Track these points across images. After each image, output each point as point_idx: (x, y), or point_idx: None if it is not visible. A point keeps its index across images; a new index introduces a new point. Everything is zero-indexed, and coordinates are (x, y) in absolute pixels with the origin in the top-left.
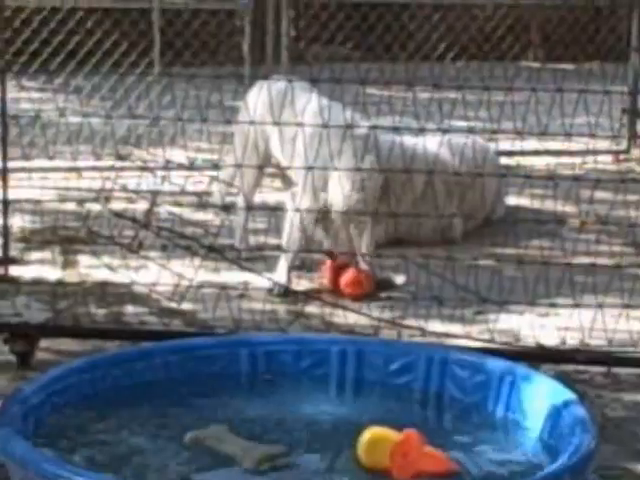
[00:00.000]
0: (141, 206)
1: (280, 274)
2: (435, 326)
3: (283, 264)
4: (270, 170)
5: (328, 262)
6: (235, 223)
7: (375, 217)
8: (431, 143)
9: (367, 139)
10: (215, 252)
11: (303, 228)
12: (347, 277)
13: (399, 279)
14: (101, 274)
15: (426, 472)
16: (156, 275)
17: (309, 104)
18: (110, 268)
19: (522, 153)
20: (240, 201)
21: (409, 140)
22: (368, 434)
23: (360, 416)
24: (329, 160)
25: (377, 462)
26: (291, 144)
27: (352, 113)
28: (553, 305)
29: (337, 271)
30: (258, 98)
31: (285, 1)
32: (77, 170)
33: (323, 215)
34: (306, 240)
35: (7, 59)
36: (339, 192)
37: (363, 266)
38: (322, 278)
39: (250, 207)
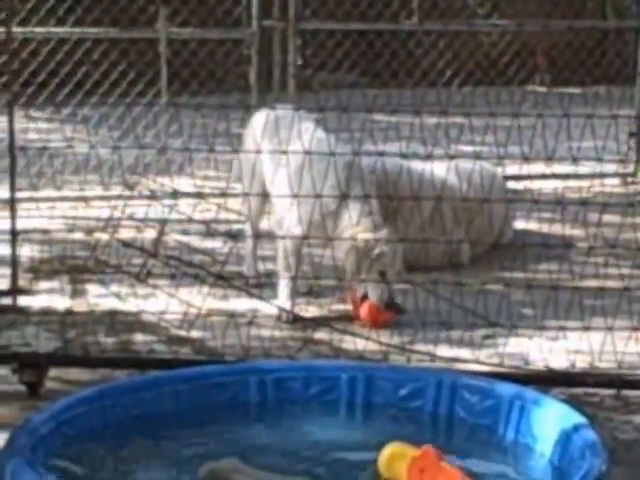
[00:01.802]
0: (149, 235)
1: (283, 300)
2: (444, 351)
3: (284, 290)
4: None
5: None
6: (243, 250)
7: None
8: (439, 169)
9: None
10: (223, 280)
11: (296, 253)
12: (366, 308)
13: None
14: (110, 303)
15: None
16: (164, 303)
17: (304, 134)
18: (119, 297)
19: (529, 177)
20: (247, 229)
21: (417, 165)
22: (388, 450)
23: (371, 442)
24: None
25: (396, 476)
26: (281, 171)
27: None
28: (562, 328)
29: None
30: (258, 126)
31: (292, 30)
32: (85, 200)
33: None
34: (312, 266)
35: (15, 90)
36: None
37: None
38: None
39: (258, 234)
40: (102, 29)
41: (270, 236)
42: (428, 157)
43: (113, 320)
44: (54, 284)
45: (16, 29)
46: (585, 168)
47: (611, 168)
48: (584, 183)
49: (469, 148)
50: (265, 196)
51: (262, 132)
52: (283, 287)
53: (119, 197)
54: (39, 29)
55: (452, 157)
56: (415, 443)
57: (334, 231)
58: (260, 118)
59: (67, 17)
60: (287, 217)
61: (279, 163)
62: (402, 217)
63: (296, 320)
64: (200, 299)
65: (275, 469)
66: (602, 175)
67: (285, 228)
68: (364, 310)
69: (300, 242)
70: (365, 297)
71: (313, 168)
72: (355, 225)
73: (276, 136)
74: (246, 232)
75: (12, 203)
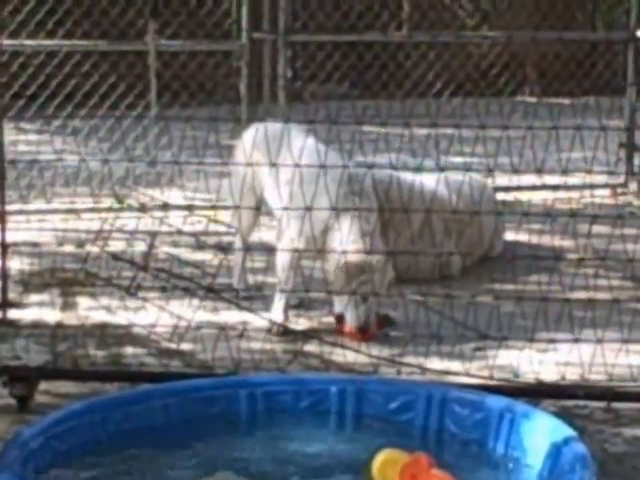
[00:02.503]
0: (139, 248)
1: (277, 313)
2: (434, 363)
3: (279, 303)
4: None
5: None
6: (233, 263)
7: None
8: (428, 180)
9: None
10: (213, 292)
11: (294, 267)
12: (348, 328)
13: (394, 314)
14: (100, 316)
15: None
16: (155, 316)
17: (305, 149)
18: (109, 310)
19: (519, 188)
20: (237, 241)
21: (407, 176)
22: (381, 456)
23: (362, 454)
24: (322, 203)
25: None
26: (283, 186)
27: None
28: (552, 341)
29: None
30: (252, 140)
31: (282, 42)
32: (75, 212)
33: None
34: (303, 278)
35: (5, 103)
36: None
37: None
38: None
39: (248, 247)
40: (92, 42)
41: (260, 249)
42: (418, 169)
43: (103, 333)
44: (44, 297)
45: (6, 42)
46: (575, 179)
47: (601, 179)
48: (574, 194)
49: (459, 159)
50: (257, 209)
51: (258, 147)
52: (278, 300)
53: (109, 209)
54: (29, 42)
55: (442, 169)
56: (408, 450)
57: (327, 246)
58: (253, 133)
59: (57, 30)
60: (286, 231)
61: (280, 179)
62: (393, 229)
63: (286, 333)
64: (190, 312)
65: None
66: (592, 186)
67: (283, 242)
68: (347, 329)
69: (298, 256)
70: (341, 316)
71: (313, 184)
72: (349, 244)
73: (277, 152)
74: (235, 245)
75: (2, 215)
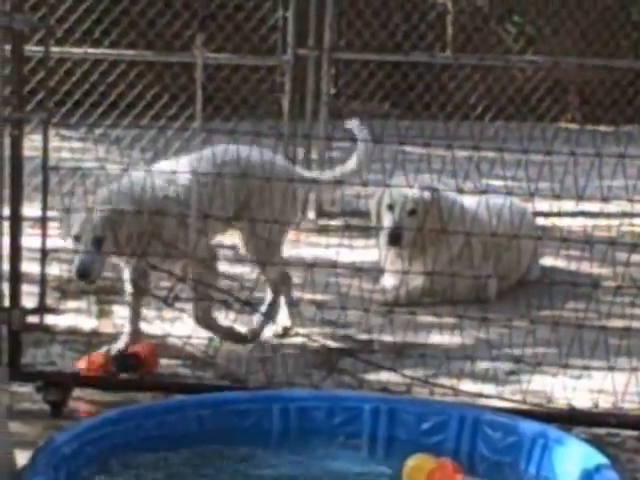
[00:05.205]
0: None
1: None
2: (467, 385)
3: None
4: (306, 225)
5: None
6: None
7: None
8: (469, 202)
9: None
10: (250, 306)
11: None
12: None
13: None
14: None
15: None
16: (190, 328)
17: None
18: (145, 319)
19: (559, 214)
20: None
21: (448, 197)
22: (410, 461)
23: (392, 473)
24: None
25: None
26: None
27: None
28: (587, 367)
29: None
30: None
31: (326, 58)
32: None
33: None
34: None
35: (49, 108)
36: None
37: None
38: None
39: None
40: (139, 52)
41: (298, 264)
42: (459, 191)
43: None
44: (81, 304)
45: (54, 49)
46: (614, 207)
47: None
48: (613, 222)
49: (500, 183)
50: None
51: None
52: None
53: None
54: (76, 49)
55: (483, 192)
56: (438, 455)
57: None
58: None
59: (103, 39)
60: None
61: None
62: (431, 249)
63: (321, 349)
64: (226, 325)
65: None
66: (632, 215)
67: None
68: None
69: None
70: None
71: None
72: None
73: None
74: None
75: (43, 221)
